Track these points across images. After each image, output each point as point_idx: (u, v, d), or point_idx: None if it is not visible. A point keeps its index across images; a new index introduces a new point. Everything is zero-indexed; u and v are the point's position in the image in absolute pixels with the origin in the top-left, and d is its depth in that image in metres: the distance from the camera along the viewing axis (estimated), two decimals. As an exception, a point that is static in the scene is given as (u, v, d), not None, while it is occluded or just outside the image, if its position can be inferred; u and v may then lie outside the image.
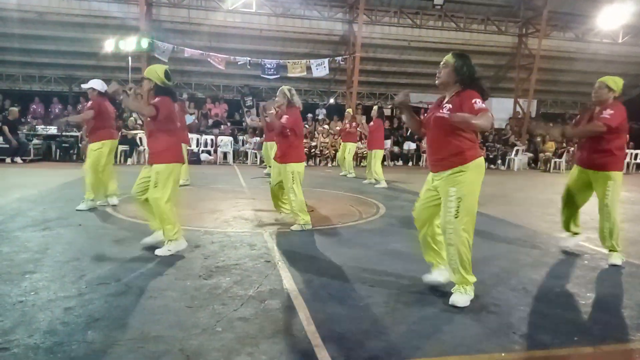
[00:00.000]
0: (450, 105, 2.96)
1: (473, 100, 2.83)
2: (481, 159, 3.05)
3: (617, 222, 4.14)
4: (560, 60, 18.35)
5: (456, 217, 2.93)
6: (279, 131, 5.07)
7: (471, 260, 3.03)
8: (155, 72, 4.03)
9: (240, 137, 15.31)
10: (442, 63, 3.05)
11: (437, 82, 3.08)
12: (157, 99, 3.97)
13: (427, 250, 3.35)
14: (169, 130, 4.04)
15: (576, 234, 4.60)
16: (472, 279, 3.06)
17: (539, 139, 17.35)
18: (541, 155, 16.47)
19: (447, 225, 2.98)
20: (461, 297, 3.01)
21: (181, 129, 8.49)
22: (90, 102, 6.02)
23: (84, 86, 6.16)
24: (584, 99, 21.26)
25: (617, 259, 4.15)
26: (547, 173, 15.22)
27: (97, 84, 6.03)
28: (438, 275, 3.31)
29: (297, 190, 5.07)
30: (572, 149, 16.74)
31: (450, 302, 3.00)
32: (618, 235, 4.16)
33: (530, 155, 16.89)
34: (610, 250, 4.20)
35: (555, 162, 15.80)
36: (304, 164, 5.30)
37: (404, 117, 3.45)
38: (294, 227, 5.11)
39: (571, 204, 4.53)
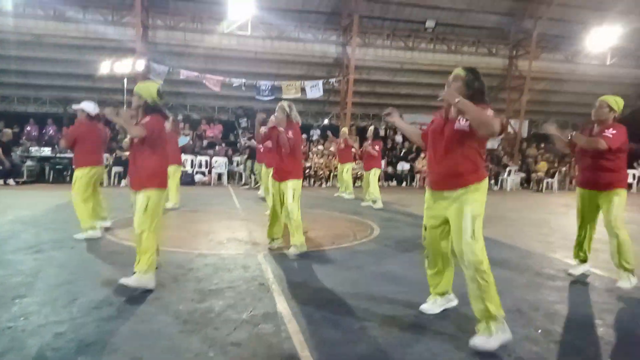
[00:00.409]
0: (465, 120, 2.75)
1: (488, 112, 2.67)
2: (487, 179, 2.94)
3: (626, 237, 4.00)
4: (550, 81, 18.68)
5: (472, 238, 2.72)
6: (289, 147, 4.88)
7: (495, 287, 2.73)
8: (148, 89, 3.79)
9: (235, 159, 15.36)
10: (451, 77, 2.90)
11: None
12: (147, 118, 3.69)
13: (438, 283, 3.24)
14: (159, 152, 3.78)
15: (584, 261, 4.47)
16: (498, 310, 2.70)
17: (531, 159, 17.53)
18: (533, 175, 16.61)
19: (465, 248, 2.73)
20: (485, 340, 2.67)
21: (173, 149, 8.46)
22: (70, 127, 5.73)
23: (74, 107, 5.84)
24: (574, 119, 21.55)
25: (625, 281, 4.00)
26: (540, 193, 15.31)
27: (88, 107, 5.71)
28: (433, 305, 3.28)
29: (296, 207, 4.95)
30: (564, 168, 16.94)
31: (471, 344, 2.68)
32: (629, 251, 4.00)
33: (523, 175, 17.03)
34: (624, 270, 4.02)
35: (547, 182, 15.91)
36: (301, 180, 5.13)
37: (400, 129, 3.39)
38: (289, 252, 4.94)
39: (586, 226, 4.38)
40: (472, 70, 2.89)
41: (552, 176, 16.13)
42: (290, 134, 4.89)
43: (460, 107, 2.67)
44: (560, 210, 10.38)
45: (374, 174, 9.63)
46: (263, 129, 5.44)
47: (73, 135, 5.66)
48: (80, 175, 5.57)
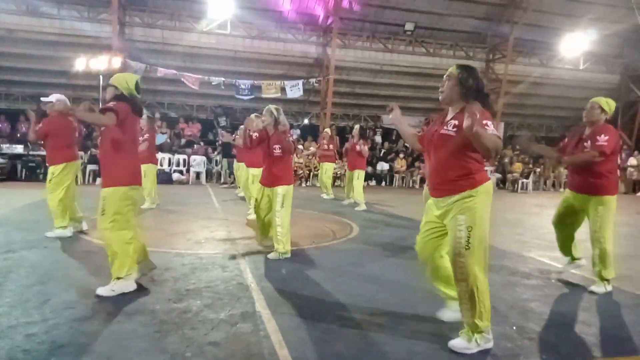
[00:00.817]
0: (456, 122, 2.63)
1: (484, 122, 2.46)
2: (490, 183, 2.76)
3: (609, 249, 3.94)
4: (526, 84, 19.07)
5: (467, 249, 2.59)
6: (289, 152, 4.86)
7: (489, 304, 2.68)
8: (125, 80, 3.62)
9: (215, 157, 15.21)
10: (445, 76, 2.76)
11: (440, 97, 2.78)
12: (113, 103, 3.47)
13: (439, 286, 3.02)
14: (124, 145, 3.54)
15: (576, 259, 4.40)
16: (485, 324, 2.66)
17: (507, 159, 17.86)
18: (509, 175, 16.93)
19: (458, 259, 2.62)
20: (465, 345, 2.67)
21: (150, 147, 8.29)
22: (41, 123, 5.48)
23: (43, 99, 5.51)
24: (549, 121, 22.10)
25: (599, 287, 3.99)
26: (515, 193, 15.62)
27: (58, 100, 5.39)
28: (453, 312, 2.97)
29: (286, 214, 4.78)
30: (538, 170, 17.33)
31: (449, 345, 2.70)
32: (610, 264, 3.95)
33: (499, 175, 17.35)
34: (602, 280, 4.00)
35: (522, 182, 16.24)
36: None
37: (399, 129, 3.15)
38: (270, 256, 4.77)
39: (563, 228, 4.34)
40: (466, 68, 2.74)
41: (527, 177, 16.48)
42: (288, 137, 4.87)
43: (477, 136, 2.39)
44: (534, 210, 10.61)
45: (358, 177, 9.37)
46: (254, 134, 5.18)
47: (45, 129, 5.43)
48: (55, 172, 5.39)
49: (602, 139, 3.86)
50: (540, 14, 16.67)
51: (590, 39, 16.83)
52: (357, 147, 9.37)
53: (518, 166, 17.24)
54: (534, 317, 3.36)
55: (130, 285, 3.53)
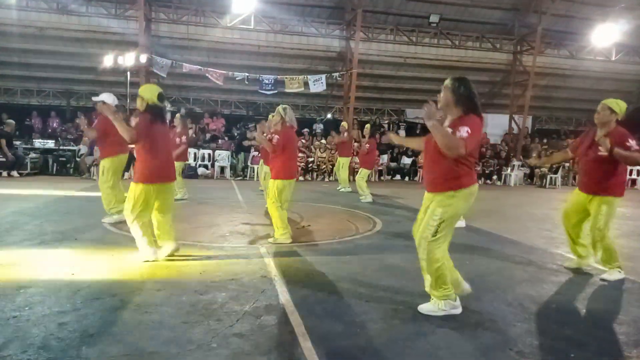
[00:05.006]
0: (451, 130, 2.92)
1: (462, 126, 2.88)
2: (475, 187, 3.09)
3: (610, 244, 4.18)
4: (554, 77, 18.56)
5: (433, 237, 3.01)
6: (271, 150, 5.25)
7: (446, 278, 3.08)
8: (149, 91, 4.15)
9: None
10: (442, 87, 3.10)
11: (439, 105, 3.09)
12: (137, 119, 4.13)
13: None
14: (147, 149, 4.10)
15: (582, 256, 4.51)
16: (448, 295, 3.10)
17: (534, 154, 17.45)
18: (537, 171, 16.55)
19: (422, 241, 3.07)
20: (429, 307, 3.14)
21: (178, 146, 8.56)
22: (96, 121, 6.01)
23: (94, 99, 5.97)
24: (578, 115, 21.52)
25: (611, 274, 4.16)
26: (543, 188, 15.28)
27: (108, 98, 5.84)
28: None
29: (276, 205, 5.16)
30: (567, 164, 16.86)
31: (418, 309, 3.16)
32: (612, 256, 4.18)
33: (527, 170, 16.98)
34: (610, 267, 4.20)
35: (550, 177, 15.87)
36: (291, 181, 5.25)
37: (405, 145, 3.58)
38: (270, 240, 5.23)
39: (571, 226, 4.54)
40: (458, 79, 3.07)
41: (556, 172, 16.07)
42: (274, 139, 5.24)
43: (431, 129, 2.87)
44: (562, 206, 10.34)
45: (359, 173, 9.86)
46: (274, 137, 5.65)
47: (100, 126, 5.92)
48: (109, 165, 5.98)
49: (634, 143, 3.97)
50: (569, 4, 16.16)
51: (622, 29, 16.23)
52: (364, 146, 9.95)
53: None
54: (562, 315, 3.29)
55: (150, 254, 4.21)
